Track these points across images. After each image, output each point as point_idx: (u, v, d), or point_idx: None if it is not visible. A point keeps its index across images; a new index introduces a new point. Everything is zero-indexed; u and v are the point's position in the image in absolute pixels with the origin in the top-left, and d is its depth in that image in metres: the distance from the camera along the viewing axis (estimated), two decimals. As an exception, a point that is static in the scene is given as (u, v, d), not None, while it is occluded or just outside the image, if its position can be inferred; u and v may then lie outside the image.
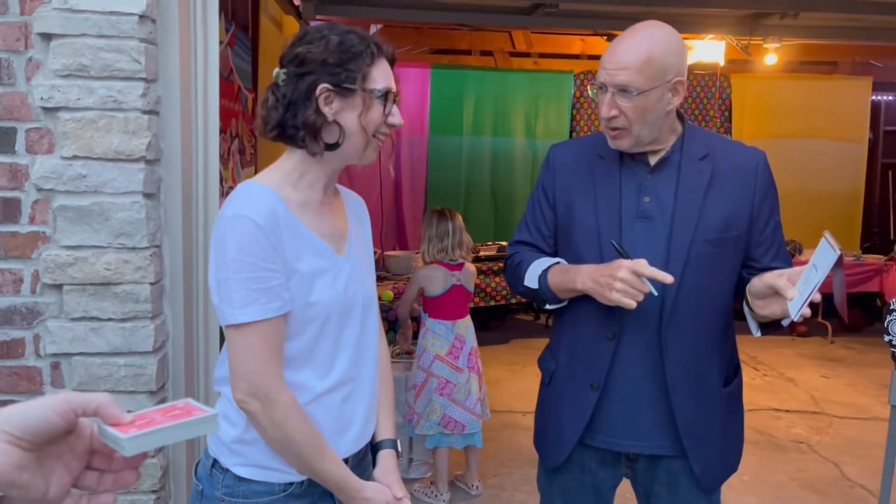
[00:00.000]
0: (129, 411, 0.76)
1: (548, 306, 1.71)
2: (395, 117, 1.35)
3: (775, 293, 1.41)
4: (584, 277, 1.55)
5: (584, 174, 1.68)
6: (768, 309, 1.45)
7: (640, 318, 1.58)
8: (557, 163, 1.74)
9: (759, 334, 1.57)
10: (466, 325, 3.43)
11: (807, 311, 1.35)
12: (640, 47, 1.52)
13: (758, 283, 1.46)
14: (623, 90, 1.51)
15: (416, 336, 3.68)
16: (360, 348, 1.40)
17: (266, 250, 1.24)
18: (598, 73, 1.57)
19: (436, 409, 3.30)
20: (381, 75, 1.33)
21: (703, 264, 1.56)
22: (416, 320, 3.76)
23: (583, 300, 1.62)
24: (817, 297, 1.33)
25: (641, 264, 1.46)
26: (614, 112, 1.54)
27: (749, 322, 1.59)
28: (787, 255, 1.67)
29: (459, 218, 3.45)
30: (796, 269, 1.41)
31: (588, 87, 1.70)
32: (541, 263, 1.68)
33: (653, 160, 1.62)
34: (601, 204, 1.63)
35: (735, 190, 1.59)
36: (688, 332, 1.58)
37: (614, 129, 1.57)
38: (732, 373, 1.71)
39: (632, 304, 1.46)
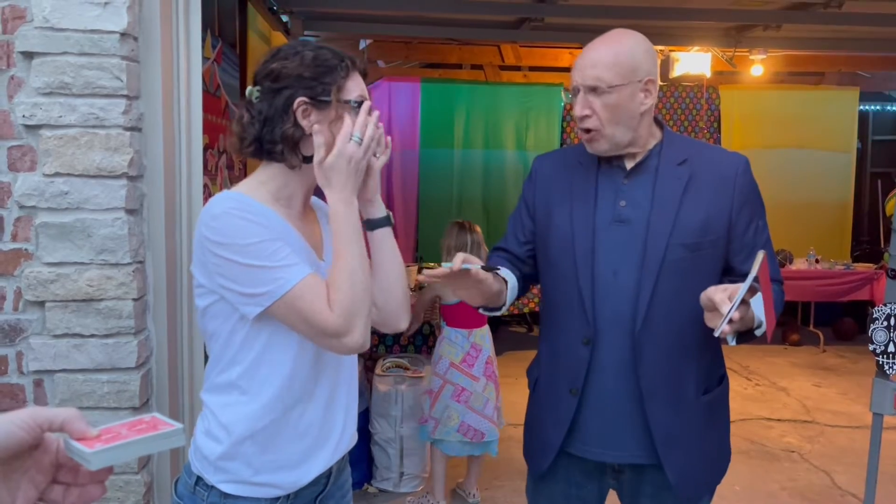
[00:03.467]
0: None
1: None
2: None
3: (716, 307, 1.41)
4: None
5: (562, 181, 1.69)
6: (713, 322, 1.44)
7: (614, 322, 1.58)
8: (539, 173, 1.77)
9: (733, 343, 1.54)
10: (483, 334, 3.46)
11: (726, 328, 1.35)
12: (609, 47, 1.56)
13: (703, 296, 1.45)
14: (594, 88, 1.53)
15: (435, 344, 3.71)
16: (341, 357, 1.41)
17: (265, 228, 1.25)
18: (571, 79, 1.60)
19: (453, 415, 3.33)
20: (355, 87, 1.35)
21: (679, 269, 1.56)
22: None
23: (561, 305, 1.63)
24: (736, 315, 1.34)
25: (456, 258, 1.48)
26: (587, 111, 1.56)
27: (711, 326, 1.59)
28: (773, 260, 1.64)
29: (479, 231, 3.52)
30: (737, 285, 1.40)
31: (563, 95, 1.73)
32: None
33: (629, 164, 1.63)
34: (576, 208, 1.64)
35: (713, 195, 1.59)
36: (663, 338, 1.58)
37: (588, 130, 1.58)
38: (716, 381, 1.70)
39: (431, 280, 1.48)
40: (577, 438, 1.66)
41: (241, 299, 1.26)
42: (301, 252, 1.32)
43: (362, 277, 1.28)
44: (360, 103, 1.34)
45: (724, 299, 1.38)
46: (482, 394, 3.36)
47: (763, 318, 1.45)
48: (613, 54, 1.53)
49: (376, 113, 1.34)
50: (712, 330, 1.65)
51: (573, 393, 1.63)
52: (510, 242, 1.80)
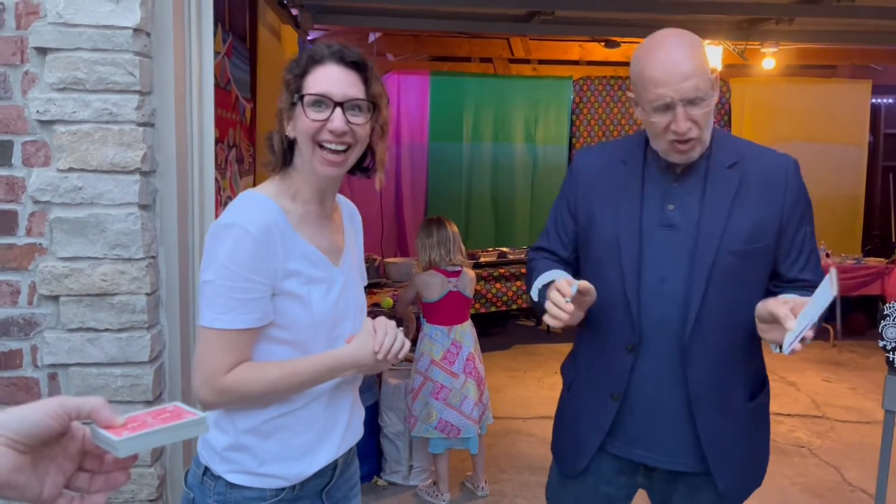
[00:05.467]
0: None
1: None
2: (334, 122, 1.28)
3: (777, 320, 1.37)
4: None
5: (606, 181, 1.62)
6: (769, 335, 1.40)
7: (661, 330, 1.54)
8: (580, 169, 1.69)
9: (777, 351, 1.46)
10: (464, 330, 3.45)
11: (798, 346, 1.31)
12: (688, 53, 1.45)
13: (762, 307, 1.41)
14: (692, 101, 1.44)
15: (415, 342, 3.71)
16: None
17: (254, 262, 1.26)
18: (648, 95, 1.47)
19: (432, 412, 3.34)
20: (316, 81, 1.30)
21: (729, 276, 1.50)
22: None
23: (603, 309, 1.57)
24: (809, 334, 1.30)
25: (562, 283, 1.42)
26: (690, 124, 1.45)
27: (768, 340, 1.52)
28: (817, 266, 1.58)
29: (454, 225, 3.52)
30: (802, 299, 1.36)
31: (635, 112, 1.61)
32: (546, 277, 1.61)
33: (679, 167, 1.55)
34: (622, 211, 1.57)
35: (764, 199, 1.53)
36: (713, 346, 1.53)
37: (687, 141, 1.48)
38: (759, 386, 1.66)
39: (556, 323, 1.43)
40: (617, 438, 1.62)
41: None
42: (311, 259, 1.34)
43: (266, 395, 1.30)
44: (315, 98, 1.29)
45: (787, 314, 1.32)
46: (460, 390, 3.36)
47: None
48: (698, 60, 1.44)
49: (400, 336, 1.34)
50: (756, 337, 1.55)
51: (615, 398, 1.59)
52: (554, 243, 1.72)
